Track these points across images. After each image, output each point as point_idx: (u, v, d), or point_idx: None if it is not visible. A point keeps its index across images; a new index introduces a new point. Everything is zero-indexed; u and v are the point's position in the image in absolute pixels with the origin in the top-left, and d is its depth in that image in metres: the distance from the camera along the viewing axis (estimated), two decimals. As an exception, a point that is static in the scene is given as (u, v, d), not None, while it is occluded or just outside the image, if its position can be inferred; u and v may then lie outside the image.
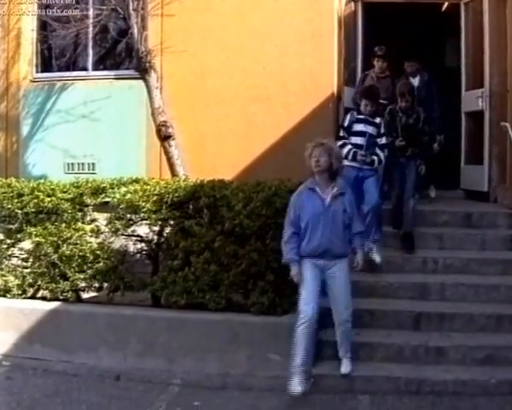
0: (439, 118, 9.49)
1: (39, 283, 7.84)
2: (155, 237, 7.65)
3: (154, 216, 7.49)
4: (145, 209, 7.47)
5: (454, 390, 6.59)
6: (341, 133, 8.18)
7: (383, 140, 8.17)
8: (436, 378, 6.69)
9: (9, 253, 8.03)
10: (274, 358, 6.78)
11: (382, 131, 8.16)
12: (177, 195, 7.48)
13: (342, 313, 6.69)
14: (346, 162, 7.75)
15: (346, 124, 8.16)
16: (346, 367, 6.77)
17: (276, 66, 9.92)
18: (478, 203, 9.50)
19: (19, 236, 7.96)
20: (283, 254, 6.59)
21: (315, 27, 9.83)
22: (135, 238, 7.72)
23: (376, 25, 10.64)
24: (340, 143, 7.98)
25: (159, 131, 9.15)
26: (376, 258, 7.96)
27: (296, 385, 6.43)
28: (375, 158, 8.06)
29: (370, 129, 8.07)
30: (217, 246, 7.24)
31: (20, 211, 7.86)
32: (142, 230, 7.65)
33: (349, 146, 8.02)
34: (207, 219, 7.30)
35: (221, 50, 9.98)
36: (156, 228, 7.60)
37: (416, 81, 9.54)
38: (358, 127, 8.07)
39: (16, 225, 7.93)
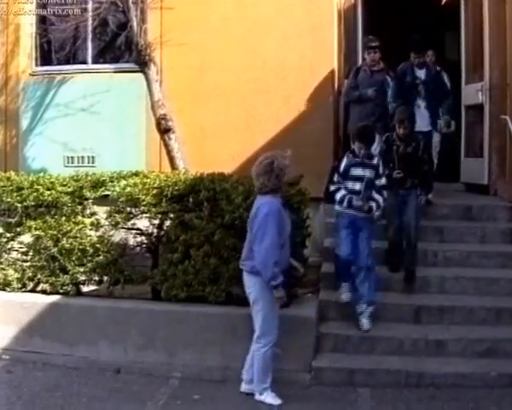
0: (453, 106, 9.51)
1: (39, 276, 7.85)
2: (155, 231, 7.66)
3: (153, 209, 7.49)
4: (145, 202, 7.47)
5: (454, 383, 6.61)
6: (336, 178, 7.49)
7: (382, 181, 7.49)
8: (436, 371, 6.70)
9: (9, 246, 8.04)
10: (274, 351, 6.77)
11: (381, 171, 7.49)
12: (176, 188, 7.48)
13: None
14: (339, 208, 7.48)
15: (341, 169, 7.45)
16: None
17: (276, 59, 9.89)
18: (478, 196, 9.50)
19: (18, 229, 7.97)
20: (272, 276, 6.12)
21: (314, 20, 9.80)
22: (135, 231, 7.73)
23: (376, 18, 10.61)
24: (333, 187, 7.48)
25: (158, 125, 9.13)
26: (364, 325, 7.20)
27: (276, 398, 6.35)
28: (373, 204, 7.37)
29: (368, 172, 7.39)
30: (217, 239, 7.24)
31: (19, 205, 7.86)
32: (142, 223, 7.66)
33: (343, 191, 7.40)
34: (207, 212, 7.30)
35: (221, 43, 9.96)
36: (156, 221, 7.61)
37: (422, 73, 9.25)
38: (356, 172, 7.40)
39: (16, 219, 7.93)
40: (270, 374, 6.40)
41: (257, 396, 6.40)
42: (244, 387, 6.58)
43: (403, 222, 7.88)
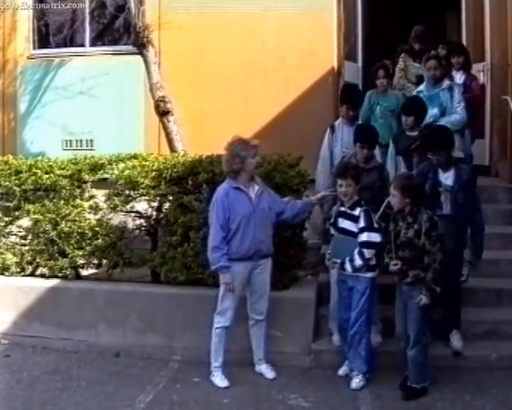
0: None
1: (38, 260, 7.85)
2: (154, 213, 7.63)
3: (152, 192, 7.46)
4: (144, 185, 7.45)
5: (455, 365, 6.59)
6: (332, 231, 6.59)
7: (363, 237, 6.25)
8: (437, 353, 6.67)
9: (8, 230, 8.04)
10: (275, 333, 6.77)
11: (362, 224, 6.27)
12: (175, 170, 7.45)
13: (263, 305, 6.54)
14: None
15: (332, 220, 6.55)
16: (270, 373, 6.59)
17: (275, 40, 9.84)
18: (479, 177, 9.41)
19: (17, 213, 7.95)
20: (212, 261, 6.34)
21: (314, 1, 9.73)
22: (134, 214, 7.70)
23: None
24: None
25: (157, 107, 9.08)
26: (354, 384, 6.34)
27: (224, 381, 6.41)
28: (347, 262, 6.30)
29: (347, 224, 6.38)
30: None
31: (18, 188, 7.85)
32: (141, 206, 7.63)
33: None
34: (206, 194, 7.27)
35: (219, 25, 9.89)
36: (155, 204, 7.58)
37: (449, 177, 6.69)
38: (338, 221, 6.47)
39: (14, 203, 7.92)
40: (222, 356, 6.46)
41: (210, 375, 6.49)
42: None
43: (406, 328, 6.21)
